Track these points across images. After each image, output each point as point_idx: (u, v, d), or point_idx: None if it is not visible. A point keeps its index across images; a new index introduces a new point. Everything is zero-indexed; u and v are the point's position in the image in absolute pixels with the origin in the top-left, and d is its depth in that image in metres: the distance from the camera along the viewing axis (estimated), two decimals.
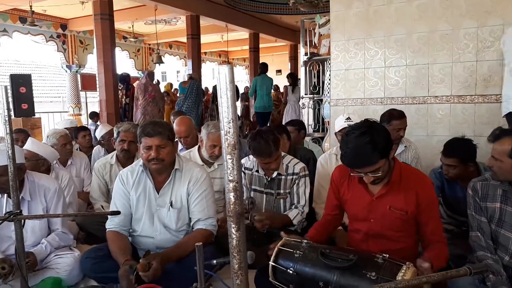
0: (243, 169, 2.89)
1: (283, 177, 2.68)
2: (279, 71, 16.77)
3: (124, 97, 7.82)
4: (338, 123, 3.00)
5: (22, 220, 1.48)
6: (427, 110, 3.59)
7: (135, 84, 7.86)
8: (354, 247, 2.00)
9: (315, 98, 5.12)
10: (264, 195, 2.74)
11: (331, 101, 4.03)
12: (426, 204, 1.81)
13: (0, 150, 2.10)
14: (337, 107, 3.98)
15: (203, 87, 9.17)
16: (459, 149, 2.46)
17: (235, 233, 0.60)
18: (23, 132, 4.04)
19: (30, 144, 2.88)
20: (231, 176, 0.59)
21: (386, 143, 1.69)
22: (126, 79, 8.16)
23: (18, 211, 1.46)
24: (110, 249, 2.08)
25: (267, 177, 2.71)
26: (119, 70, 7.97)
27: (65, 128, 4.47)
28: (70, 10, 9.32)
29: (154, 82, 7.78)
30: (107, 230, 2.18)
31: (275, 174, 2.68)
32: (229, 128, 0.58)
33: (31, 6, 8.09)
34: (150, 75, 7.91)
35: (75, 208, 2.93)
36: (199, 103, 7.69)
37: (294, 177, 2.67)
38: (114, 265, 1.98)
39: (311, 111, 5.26)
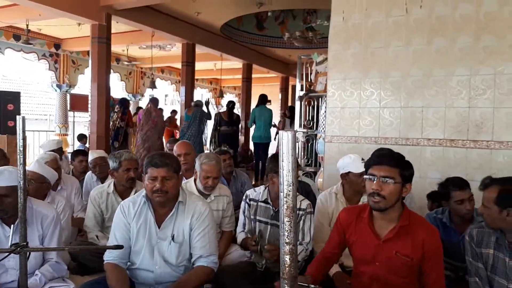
0: (247, 200, 2.87)
1: None
2: (269, 101, 16.98)
3: (119, 120, 7.83)
4: (352, 165, 2.78)
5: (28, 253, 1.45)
6: (420, 152, 3.66)
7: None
8: None
9: (308, 133, 5.18)
10: (269, 227, 2.70)
11: (325, 137, 4.09)
12: (432, 253, 1.85)
13: (9, 170, 2.07)
14: (332, 144, 4.04)
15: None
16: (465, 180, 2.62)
17: None
18: None
19: (37, 166, 2.84)
20: (288, 239, 0.59)
21: (408, 167, 1.88)
22: (125, 103, 8.41)
23: (25, 243, 1.42)
24: (108, 282, 2.03)
25: (274, 208, 2.69)
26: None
27: (52, 150, 4.38)
28: (65, 30, 9.34)
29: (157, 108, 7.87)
30: (105, 262, 2.12)
31: None
32: (289, 191, 0.59)
33: (27, 25, 8.08)
34: (154, 101, 8.00)
35: (67, 235, 2.85)
36: (202, 130, 7.71)
37: (301, 212, 2.65)
38: None
39: (304, 145, 5.31)
